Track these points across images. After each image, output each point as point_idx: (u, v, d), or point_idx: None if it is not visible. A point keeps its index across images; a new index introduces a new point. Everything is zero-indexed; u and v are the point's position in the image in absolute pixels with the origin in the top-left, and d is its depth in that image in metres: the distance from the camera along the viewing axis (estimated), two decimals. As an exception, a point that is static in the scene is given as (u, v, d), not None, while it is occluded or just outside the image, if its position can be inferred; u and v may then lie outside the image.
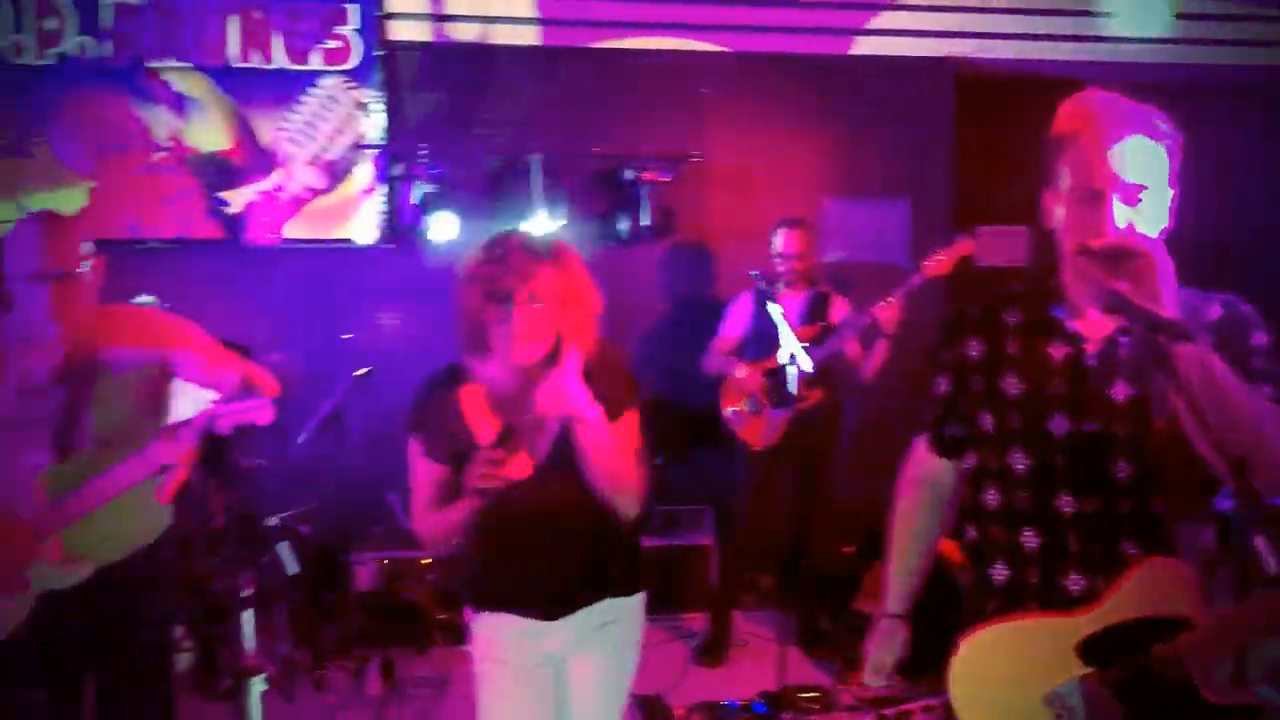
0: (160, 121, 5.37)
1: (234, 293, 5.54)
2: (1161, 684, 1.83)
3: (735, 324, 5.06)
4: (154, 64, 5.33)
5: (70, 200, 5.32)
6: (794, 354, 4.25)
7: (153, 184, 5.38)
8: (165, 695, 2.81)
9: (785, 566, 5.44)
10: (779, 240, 4.93)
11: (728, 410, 4.92)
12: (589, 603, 2.53)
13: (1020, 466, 2.01)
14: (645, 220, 5.42)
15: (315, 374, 5.25)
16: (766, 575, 5.71)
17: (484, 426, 2.39)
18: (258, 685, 1.64)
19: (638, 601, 2.63)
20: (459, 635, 4.98)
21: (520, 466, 2.29)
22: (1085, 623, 1.91)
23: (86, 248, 2.68)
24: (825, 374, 4.66)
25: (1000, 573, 2.05)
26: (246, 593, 1.66)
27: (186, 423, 2.60)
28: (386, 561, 4.99)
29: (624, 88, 5.73)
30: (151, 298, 4.19)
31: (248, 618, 1.70)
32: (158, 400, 2.77)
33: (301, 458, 4.73)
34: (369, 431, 5.23)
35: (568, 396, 2.28)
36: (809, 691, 4.37)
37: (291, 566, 2.26)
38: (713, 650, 4.95)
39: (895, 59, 5.94)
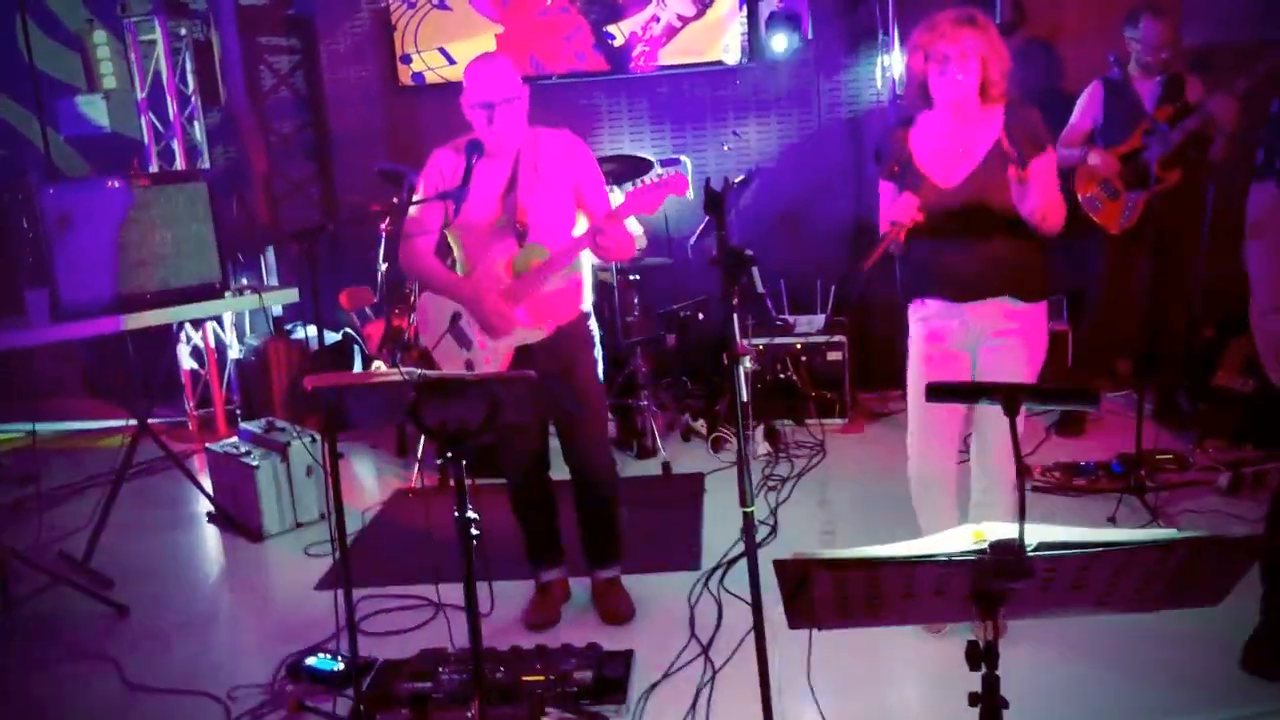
0: (553, -33, 6.11)
1: (621, 115, 6.30)
2: None
3: (1086, 114, 5.14)
4: (543, -86, 6.05)
5: (482, 45, 6.21)
6: (1155, 127, 4.39)
7: (549, 26, 6.17)
8: (602, 406, 3.75)
9: (1143, 349, 5.63)
10: (1143, 29, 4.88)
11: (1082, 196, 5.08)
12: (998, 294, 3.17)
13: None
14: (998, 17, 5.58)
15: (697, 184, 5.94)
16: (1123, 359, 5.92)
17: (922, 154, 3.16)
18: (746, 364, 2.32)
19: (1040, 310, 3.26)
20: (832, 410, 5.66)
21: (911, 212, 3.03)
22: None
23: (519, 78, 3.39)
24: (1182, 155, 4.73)
25: None
26: (734, 300, 2.33)
27: (619, 210, 3.31)
28: (763, 347, 5.68)
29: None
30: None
31: (735, 318, 2.37)
32: (573, 204, 3.51)
33: (691, 256, 5.49)
34: (744, 231, 5.90)
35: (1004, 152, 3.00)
36: (1165, 454, 4.68)
37: (759, 285, 2.96)
38: (1070, 424, 5.31)
39: None
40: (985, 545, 1.57)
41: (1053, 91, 5.84)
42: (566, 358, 3.55)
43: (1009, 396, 1.73)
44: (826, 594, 1.69)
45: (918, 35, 3.12)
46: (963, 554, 1.59)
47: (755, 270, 3.19)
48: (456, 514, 2.59)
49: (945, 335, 3.28)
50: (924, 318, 3.31)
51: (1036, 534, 1.58)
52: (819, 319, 5.89)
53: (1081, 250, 5.20)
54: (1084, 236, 5.09)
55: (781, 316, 5.93)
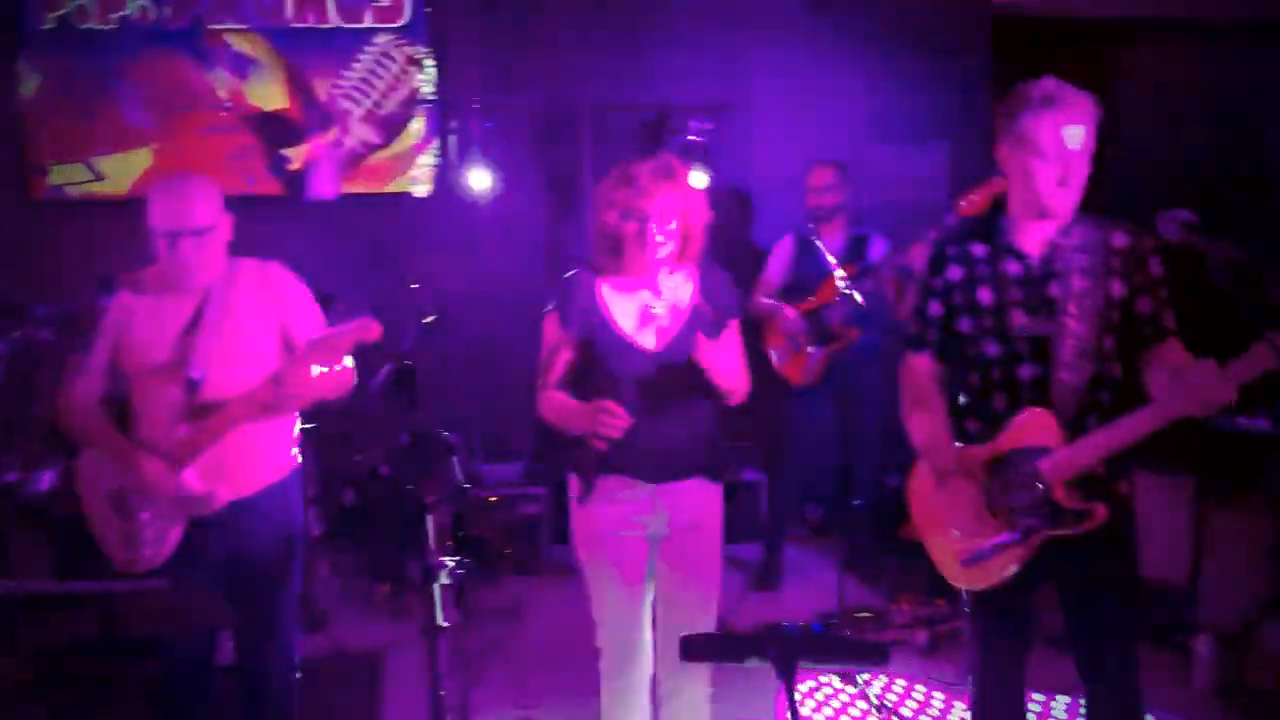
0: (221, 82, 5.56)
1: (296, 247, 5.72)
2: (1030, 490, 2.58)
3: (777, 267, 5.22)
4: (214, 26, 5.51)
5: (136, 161, 5.54)
6: (849, 286, 4.49)
7: (216, 143, 5.58)
8: (291, 618, 3.12)
9: (833, 499, 5.68)
10: (809, 177, 5.09)
11: (771, 351, 5.09)
12: (693, 474, 2.90)
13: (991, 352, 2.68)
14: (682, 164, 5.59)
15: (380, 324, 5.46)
16: (814, 507, 5.96)
17: (616, 313, 2.86)
18: (443, 579, 1.90)
19: (720, 491, 3.02)
20: (526, 567, 5.27)
21: (622, 422, 2.68)
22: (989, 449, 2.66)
23: (219, 205, 2.93)
24: (862, 314, 4.81)
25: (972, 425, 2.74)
26: (430, 499, 1.92)
27: (297, 358, 2.82)
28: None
29: (670, 37, 5.87)
30: None
31: (430, 522, 1.95)
32: (273, 347, 3.01)
33: (374, 403, 4.97)
34: (434, 377, 5.47)
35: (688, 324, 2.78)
36: (864, 612, 4.63)
37: (459, 476, 2.54)
38: (767, 578, 5.21)
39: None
40: None
41: (746, 245, 5.92)
42: (250, 535, 2.99)
43: (785, 652, 1.42)
44: None
45: (613, 189, 2.82)
46: None
47: (457, 461, 2.78)
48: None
49: (629, 521, 2.91)
50: (601, 496, 2.92)
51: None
52: (515, 468, 5.53)
53: (774, 401, 5.18)
54: (776, 388, 5.09)
55: (474, 466, 5.52)
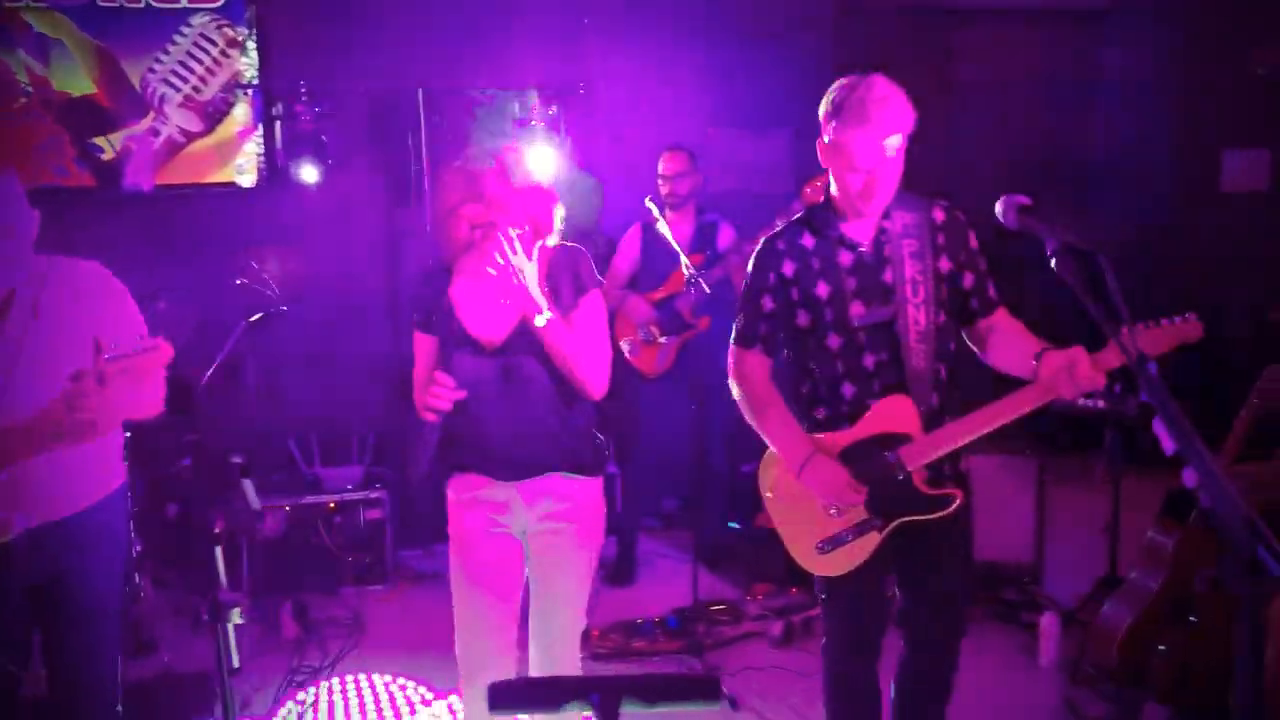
0: (21, 65, 5.12)
1: (112, 242, 5.34)
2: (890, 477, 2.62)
3: (626, 256, 5.11)
4: (10, 4, 5.06)
5: (-75, 152, 5.07)
6: (694, 275, 4.40)
7: (19, 132, 5.14)
8: (110, 646, 2.84)
9: (686, 489, 5.61)
10: (660, 163, 5.00)
11: (622, 342, 4.98)
12: (552, 469, 2.76)
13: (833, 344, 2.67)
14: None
15: (204, 321, 5.13)
16: (669, 498, 5.87)
17: (463, 307, 2.74)
18: (235, 618, 1.69)
19: (596, 486, 2.85)
20: (370, 575, 5.03)
21: (448, 394, 2.61)
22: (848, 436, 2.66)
23: (20, 202, 2.65)
24: (713, 301, 4.73)
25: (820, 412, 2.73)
26: (217, 529, 1.70)
27: (84, 382, 2.53)
28: (289, 508, 4.96)
29: (506, 19, 5.67)
30: None
31: (219, 554, 1.74)
32: (86, 355, 2.71)
33: (201, 405, 4.65)
34: (265, 377, 5.18)
35: (530, 299, 2.61)
36: (718, 605, 4.56)
37: (255, 503, 2.29)
38: (622, 573, 5.10)
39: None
40: None
41: (592, 233, 5.77)
42: (61, 560, 2.71)
43: (608, 698, 1.28)
44: None
45: (458, 200, 2.68)
46: None
47: (250, 484, 2.55)
48: None
49: (493, 520, 2.81)
50: (465, 498, 2.83)
51: None
52: (355, 471, 5.27)
53: (625, 392, 5.07)
54: (627, 379, 4.98)
55: (312, 470, 5.24)
